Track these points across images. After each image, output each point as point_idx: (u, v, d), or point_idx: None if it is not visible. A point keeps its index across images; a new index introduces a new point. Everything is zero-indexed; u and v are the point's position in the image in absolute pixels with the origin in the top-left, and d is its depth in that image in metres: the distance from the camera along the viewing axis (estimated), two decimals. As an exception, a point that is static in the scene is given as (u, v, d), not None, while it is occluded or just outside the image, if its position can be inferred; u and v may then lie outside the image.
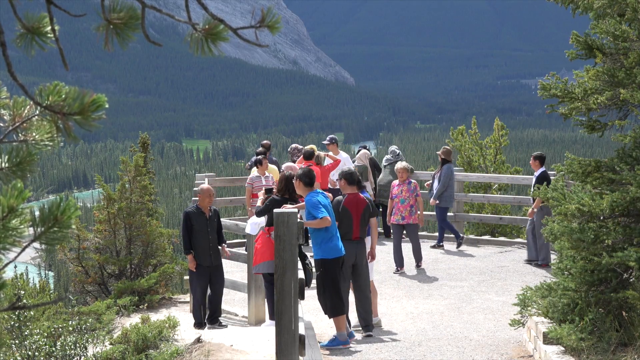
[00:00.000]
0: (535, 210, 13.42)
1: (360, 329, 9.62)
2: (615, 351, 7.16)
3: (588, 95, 8.15)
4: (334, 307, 8.89)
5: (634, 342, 7.20)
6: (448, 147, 15.42)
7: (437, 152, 15.28)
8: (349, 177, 9.69)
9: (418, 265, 13.43)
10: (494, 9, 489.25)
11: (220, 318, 10.79)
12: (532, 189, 13.15)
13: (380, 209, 15.63)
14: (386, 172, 16.12)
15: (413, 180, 13.41)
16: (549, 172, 13.58)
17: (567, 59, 8.44)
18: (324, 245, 8.79)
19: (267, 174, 14.26)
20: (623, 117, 8.19)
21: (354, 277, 9.55)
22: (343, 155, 15.82)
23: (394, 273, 13.06)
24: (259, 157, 14.33)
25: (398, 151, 16.34)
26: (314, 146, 15.08)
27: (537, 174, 13.50)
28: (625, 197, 7.32)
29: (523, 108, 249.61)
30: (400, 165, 13.40)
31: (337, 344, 8.85)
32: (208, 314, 10.70)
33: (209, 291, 10.79)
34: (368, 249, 9.92)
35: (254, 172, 14.33)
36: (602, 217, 7.60)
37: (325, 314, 9.13)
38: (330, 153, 15.62)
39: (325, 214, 8.68)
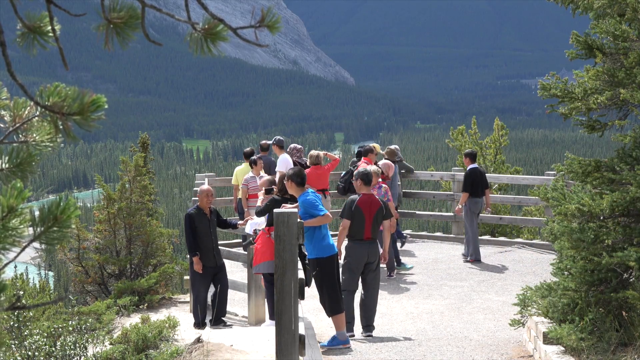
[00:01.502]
0: (461, 207, 13.75)
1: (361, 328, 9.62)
2: (615, 351, 7.16)
3: (588, 95, 8.14)
4: (332, 305, 8.86)
5: (634, 342, 7.19)
6: (392, 148, 15.19)
7: (382, 152, 15.18)
8: (365, 178, 9.66)
9: (389, 275, 12.79)
10: (494, 9, 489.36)
11: (224, 318, 10.78)
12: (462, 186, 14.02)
13: None
14: None
15: (384, 185, 12.57)
16: (549, 173, 13.62)
17: (567, 59, 8.43)
18: (318, 244, 8.77)
19: (262, 174, 14.26)
20: (623, 117, 8.19)
21: (363, 276, 9.56)
22: (284, 157, 14.36)
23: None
24: (253, 157, 14.35)
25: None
26: (376, 145, 14.78)
27: (467, 170, 13.88)
28: (625, 197, 7.32)
29: (523, 108, 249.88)
30: (371, 168, 12.45)
31: (337, 343, 8.81)
32: (213, 315, 10.67)
33: (211, 292, 10.78)
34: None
35: (249, 172, 14.33)
36: (602, 217, 7.60)
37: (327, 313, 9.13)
38: (330, 153, 15.56)
39: (325, 211, 8.70)
